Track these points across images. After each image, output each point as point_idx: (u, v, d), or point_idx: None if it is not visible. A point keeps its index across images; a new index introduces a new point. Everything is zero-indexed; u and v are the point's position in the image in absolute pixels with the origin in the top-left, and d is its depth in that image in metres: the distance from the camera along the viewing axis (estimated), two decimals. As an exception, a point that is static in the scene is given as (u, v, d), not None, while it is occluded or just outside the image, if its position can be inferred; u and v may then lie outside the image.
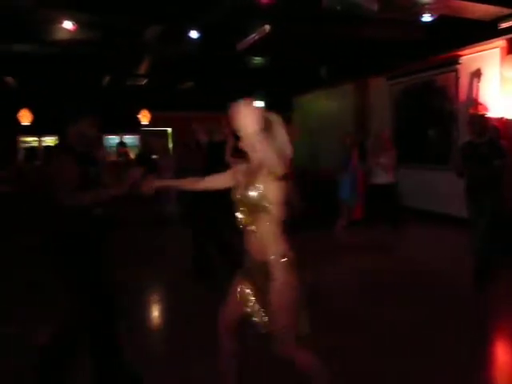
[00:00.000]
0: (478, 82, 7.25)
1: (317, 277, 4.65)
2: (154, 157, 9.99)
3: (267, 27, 6.70)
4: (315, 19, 6.37)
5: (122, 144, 10.92)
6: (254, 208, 2.06)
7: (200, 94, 11.38)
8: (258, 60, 9.44)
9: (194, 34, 6.84)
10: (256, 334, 2.19)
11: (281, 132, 2.11)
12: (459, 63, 7.66)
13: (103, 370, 2.73)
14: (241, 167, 2.26)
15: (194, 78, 11.09)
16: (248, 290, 2.21)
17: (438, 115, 8.23)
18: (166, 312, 4.59)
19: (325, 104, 11.73)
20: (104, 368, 2.73)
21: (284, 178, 2.03)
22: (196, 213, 5.15)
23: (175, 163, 7.04)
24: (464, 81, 7.60)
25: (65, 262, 2.62)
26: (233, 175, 2.29)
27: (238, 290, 2.25)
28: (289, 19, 6.44)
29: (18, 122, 11.10)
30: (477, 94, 7.25)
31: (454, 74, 7.80)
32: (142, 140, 12.34)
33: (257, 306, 2.18)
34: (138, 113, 12.08)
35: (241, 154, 2.28)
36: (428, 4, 5.64)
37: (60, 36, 7.06)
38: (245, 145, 2.17)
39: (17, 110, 11.06)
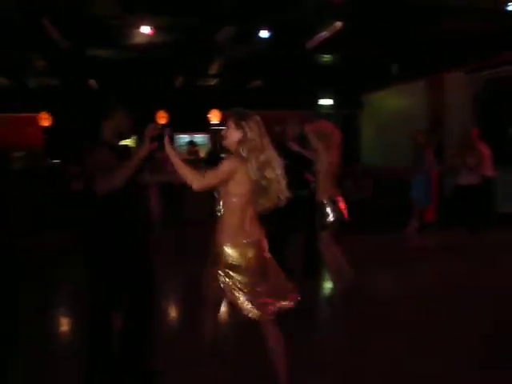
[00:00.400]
0: None
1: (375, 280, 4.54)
2: (224, 155, 10.17)
3: (339, 24, 6.61)
4: (392, 14, 6.18)
5: (192, 143, 11.22)
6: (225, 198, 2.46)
7: (269, 93, 11.46)
8: (327, 58, 9.34)
9: (264, 34, 6.91)
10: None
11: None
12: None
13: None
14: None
15: (262, 77, 11.21)
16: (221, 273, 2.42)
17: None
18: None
19: (396, 101, 11.39)
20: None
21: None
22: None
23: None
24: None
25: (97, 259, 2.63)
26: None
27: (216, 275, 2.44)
28: (364, 16, 6.31)
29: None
30: None
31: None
32: (211, 139, 12.63)
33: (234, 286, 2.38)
34: (208, 112, 12.39)
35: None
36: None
37: (138, 41, 7.47)
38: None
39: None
